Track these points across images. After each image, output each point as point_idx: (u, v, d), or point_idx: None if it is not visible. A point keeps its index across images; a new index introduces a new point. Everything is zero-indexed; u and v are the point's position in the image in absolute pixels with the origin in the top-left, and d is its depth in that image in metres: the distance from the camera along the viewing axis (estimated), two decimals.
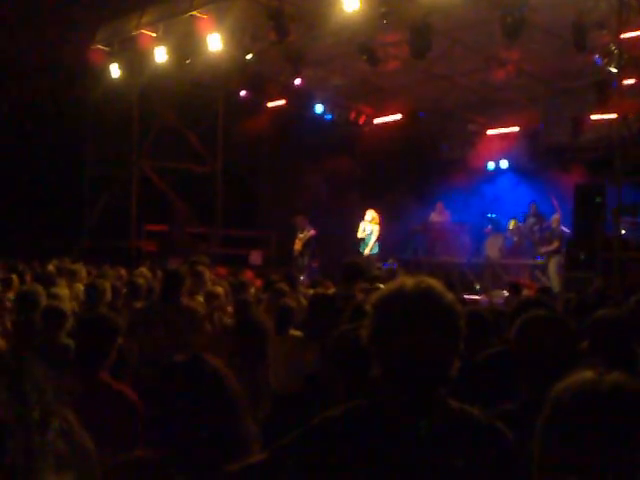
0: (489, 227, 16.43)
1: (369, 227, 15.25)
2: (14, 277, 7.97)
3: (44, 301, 5.77)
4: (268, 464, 2.00)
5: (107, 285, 7.28)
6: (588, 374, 1.54)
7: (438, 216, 17.44)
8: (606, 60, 11.74)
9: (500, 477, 1.86)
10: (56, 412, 0.82)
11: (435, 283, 1.97)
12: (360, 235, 15.24)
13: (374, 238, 15.09)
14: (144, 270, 9.91)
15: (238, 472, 1.93)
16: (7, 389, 0.77)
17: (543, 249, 14.44)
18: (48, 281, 7.84)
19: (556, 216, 14.62)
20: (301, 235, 16.21)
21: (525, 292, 11.90)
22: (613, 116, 12.66)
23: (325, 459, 1.91)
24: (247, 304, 6.08)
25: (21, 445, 0.75)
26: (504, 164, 17.79)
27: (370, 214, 15.24)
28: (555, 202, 15.14)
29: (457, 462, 1.82)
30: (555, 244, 14.22)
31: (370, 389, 1.95)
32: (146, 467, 1.79)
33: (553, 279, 13.83)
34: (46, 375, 0.84)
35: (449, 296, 1.95)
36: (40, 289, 6.10)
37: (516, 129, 17.07)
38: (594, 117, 15.27)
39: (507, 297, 11.03)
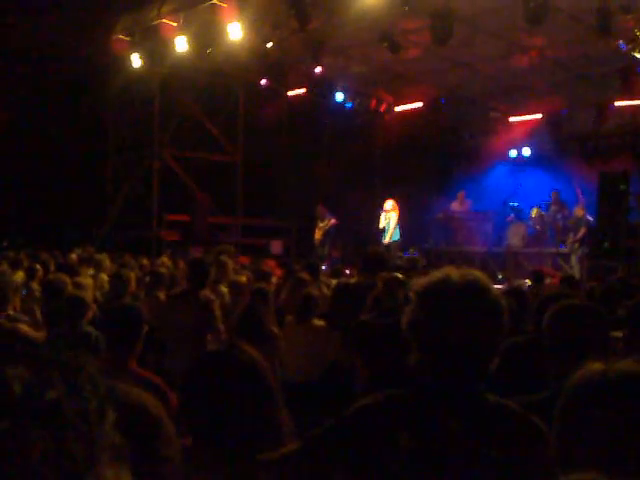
0: (511, 215, 16.32)
1: (389, 216, 15.12)
2: (38, 267, 8.03)
3: (69, 290, 5.82)
4: (302, 454, 1.99)
5: (132, 275, 7.35)
6: (597, 365, 1.53)
7: (459, 205, 17.35)
8: (631, 46, 11.57)
9: (536, 469, 1.85)
10: (112, 403, 0.83)
11: (481, 276, 1.96)
12: (382, 225, 15.13)
13: (393, 225, 14.94)
14: (165, 260, 9.97)
15: (272, 462, 1.92)
16: (64, 382, 0.78)
17: (570, 238, 14.31)
18: (71, 270, 7.91)
19: (580, 205, 14.49)
20: (321, 224, 16.20)
21: (548, 281, 11.85)
22: (638, 102, 12.53)
23: (359, 449, 1.90)
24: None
25: (81, 436, 0.76)
26: (526, 152, 17.65)
27: (390, 203, 15.11)
28: (579, 190, 15.01)
29: (492, 454, 1.81)
30: (581, 232, 14.10)
31: (403, 377, 1.93)
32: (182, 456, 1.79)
33: (574, 268, 13.74)
34: (98, 367, 0.86)
35: (494, 290, 1.95)
36: (66, 278, 6.15)
37: (539, 116, 16.91)
38: (618, 104, 15.09)
39: (530, 286, 10.94)
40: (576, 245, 14.08)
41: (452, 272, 1.94)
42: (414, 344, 1.93)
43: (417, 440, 1.83)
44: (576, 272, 13.23)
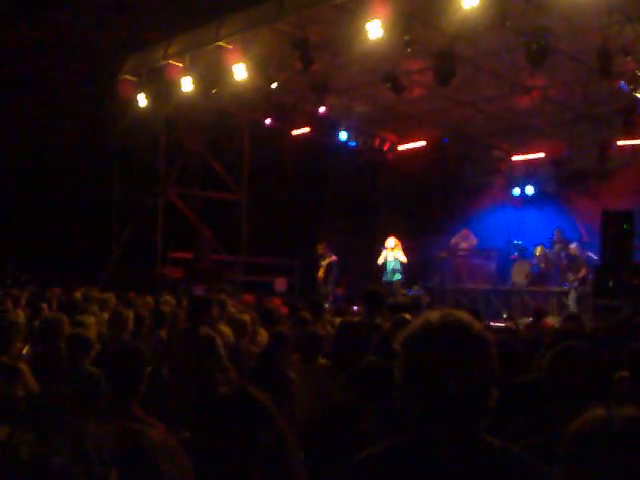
0: (515, 254, 16.31)
1: (391, 254, 14.99)
2: (44, 306, 8.01)
3: (68, 329, 5.76)
4: None
5: (130, 313, 7.31)
6: (599, 411, 1.52)
7: (465, 242, 17.33)
8: (632, 86, 11.68)
9: None
10: (115, 465, 0.84)
11: (461, 314, 1.93)
12: (381, 262, 15.01)
13: (402, 260, 14.82)
14: (169, 298, 9.96)
15: None
16: (70, 446, 0.79)
17: (572, 277, 14.28)
18: (75, 309, 7.88)
19: (573, 244, 14.50)
20: (323, 262, 16.20)
21: (549, 319, 11.82)
22: (639, 142, 12.59)
23: None
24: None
25: None
26: (530, 190, 17.69)
27: (392, 241, 14.99)
28: (582, 230, 15.02)
29: None
30: (583, 271, 14.08)
31: (408, 426, 1.91)
32: None
33: (572, 307, 13.71)
34: (101, 430, 0.87)
35: (477, 326, 1.91)
36: (64, 317, 6.09)
37: (541, 155, 17.00)
38: (620, 143, 15.17)
39: (529, 323, 10.94)
40: (576, 284, 14.04)
41: (432, 316, 1.92)
42: (410, 395, 1.91)
43: None
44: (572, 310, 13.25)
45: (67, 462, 0.77)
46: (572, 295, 13.97)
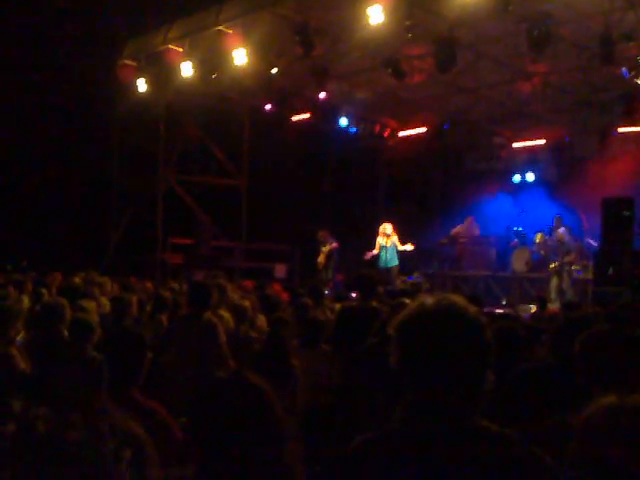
0: (515, 240, 16.30)
1: (389, 241, 14.67)
2: (44, 291, 8.02)
3: (69, 314, 5.76)
4: None
5: (133, 298, 7.32)
6: (611, 398, 1.51)
7: (466, 230, 17.31)
8: (634, 72, 11.64)
9: None
10: (129, 443, 0.84)
11: (456, 298, 1.93)
12: (377, 248, 14.74)
13: (398, 248, 14.64)
14: (175, 285, 9.95)
15: None
16: (85, 427, 0.80)
17: (555, 262, 14.14)
18: (75, 293, 7.88)
19: (561, 229, 14.46)
20: (324, 249, 16.18)
21: (551, 307, 11.82)
22: None
23: None
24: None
25: (99, 477, 0.77)
26: (530, 177, 17.67)
27: (389, 227, 14.68)
28: (584, 217, 15.01)
29: None
30: (571, 256, 14.02)
31: (403, 412, 1.90)
32: None
33: (567, 290, 13.69)
34: (115, 409, 0.88)
35: (472, 309, 1.91)
36: (64, 301, 6.08)
37: (542, 142, 16.97)
38: (621, 129, 15.14)
39: (534, 312, 10.92)
40: (568, 268, 13.98)
41: (426, 300, 1.92)
42: (404, 381, 1.90)
43: (416, 475, 1.81)
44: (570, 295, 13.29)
45: (83, 437, 0.78)
46: (567, 281, 13.93)
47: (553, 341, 3.88)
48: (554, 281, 13.99)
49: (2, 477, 0.78)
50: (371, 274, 7.67)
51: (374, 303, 6.49)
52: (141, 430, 1.57)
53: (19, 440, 0.79)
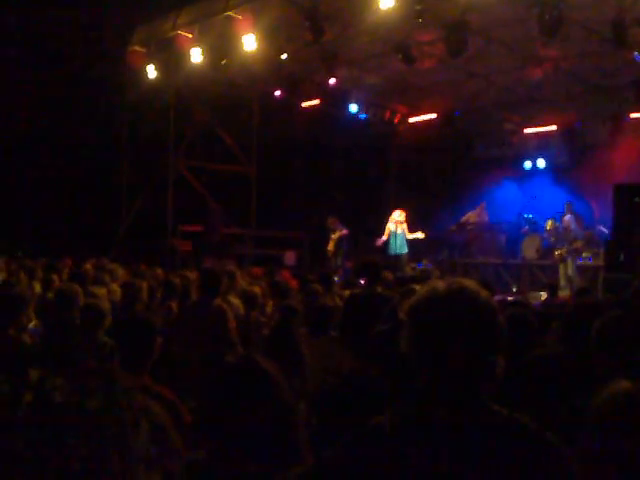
0: (526, 227, 16.25)
1: (399, 227, 14.58)
2: (55, 277, 8.05)
3: (81, 300, 5.80)
4: (315, 475, 1.97)
5: (144, 285, 7.34)
6: (626, 384, 1.51)
7: (476, 216, 17.26)
8: None
9: None
10: (147, 414, 0.85)
11: (468, 282, 1.93)
12: (386, 234, 14.62)
13: (407, 236, 14.54)
14: (188, 273, 9.98)
15: None
16: (102, 395, 0.80)
17: (561, 250, 14.10)
18: (85, 280, 7.92)
19: (567, 216, 14.40)
20: (333, 236, 16.16)
21: (561, 294, 11.77)
22: None
23: (371, 468, 1.88)
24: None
25: (117, 447, 0.77)
26: (541, 163, 17.58)
27: (401, 214, 14.56)
28: (593, 203, 14.93)
29: (501, 472, 1.77)
30: (577, 244, 13.98)
31: (415, 396, 1.91)
32: (197, 469, 1.79)
33: (574, 277, 13.65)
34: (131, 379, 0.88)
35: (483, 293, 1.91)
36: (77, 287, 6.13)
37: (553, 128, 16.85)
38: (633, 115, 15.02)
39: (545, 299, 10.88)
40: (572, 255, 13.93)
41: (438, 284, 1.92)
42: (416, 365, 1.90)
43: (426, 459, 1.81)
44: (577, 282, 13.24)
45: (101, 406, 0.78)
46: (571, 267, 13.88)
47: (564, 328, 3.86)
48: (562, 268, 13.96)
49: (18, 446, 0.79)
50: (375, 260, 7.68)
51: (379, 289, 6.49)
52: (158, 407, 1.58)
53: (36, 409, 0.80)
